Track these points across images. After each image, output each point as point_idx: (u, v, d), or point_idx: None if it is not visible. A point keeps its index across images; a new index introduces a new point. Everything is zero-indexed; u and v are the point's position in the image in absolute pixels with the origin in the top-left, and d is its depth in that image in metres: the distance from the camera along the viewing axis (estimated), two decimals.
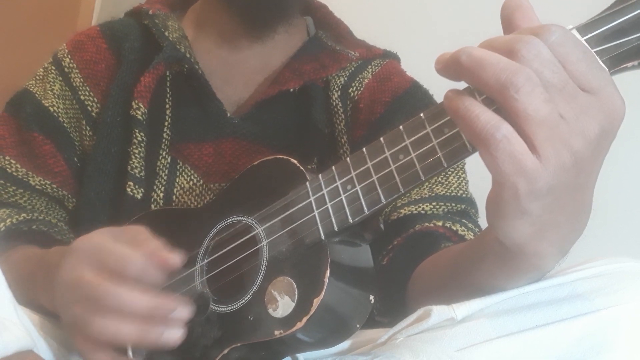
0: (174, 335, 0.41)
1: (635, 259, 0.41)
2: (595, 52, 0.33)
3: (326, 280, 0.40)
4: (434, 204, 0.59)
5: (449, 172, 0.61)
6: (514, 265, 0.38)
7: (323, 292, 0.39)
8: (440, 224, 0.57)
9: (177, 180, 0.62)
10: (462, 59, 0.31)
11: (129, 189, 0.60)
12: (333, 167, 0.43)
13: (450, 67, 0.32)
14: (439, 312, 0.41)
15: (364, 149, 0.41)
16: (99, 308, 0.41)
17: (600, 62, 0.32)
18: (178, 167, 0.63)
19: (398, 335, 0.43)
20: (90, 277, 0.42)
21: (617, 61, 0.33)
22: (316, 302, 0.39)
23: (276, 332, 0.40)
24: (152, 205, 0.61)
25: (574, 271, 0.40)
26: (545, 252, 0.36)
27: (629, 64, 0.33)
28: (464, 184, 0.62)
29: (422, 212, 0.58)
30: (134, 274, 0.42)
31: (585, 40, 0.33)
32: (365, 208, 0.40)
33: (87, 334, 0.41)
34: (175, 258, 0.43)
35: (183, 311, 0.42)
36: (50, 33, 1.08)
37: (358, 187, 0.41)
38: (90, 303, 0.41)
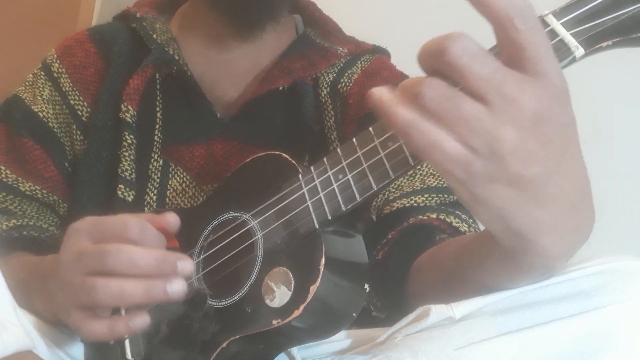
0: (178, 287, 0.41)
1: (635, 258, 0.41)
2: (571, 34, 0.34)
3: (322, 267, 0.40)
4: (426, 195, 0.59)
5: None
6: (519, 264, 0.38)
7: (319, 280, 0.40)
8: (434, 216, 0.57)
9: (169, 183, 0.62)
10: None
11: (119, 192, 0.60)
12: (324, 159, 0.44)
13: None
14: (437, 311, 0.41)
15: (354, 139, 0.42)
16: (104, 269, 0.41)
17: (577, 43, 0.33)
18: (170, 169, 0.63)
19: (397, 334, 0.43)
20: (92, 245, 0.43)
21: (592, 42, 0.34)
22: (312, 289, 0.40)
23: (274, 322, 0.41)
24: (146, 209, 0.62)
25: (573, 270, 0.40)
26: (548, 251, 0.35)
27: (604, 44, 0.34)
28: None
29: (415, 204, 0.59)
30: (134, 234, 0.42)
31: (561, 23, 0.34)
32: (357, 195, 0.41)
33: (91, 298, 0.41)
34: (171, 215, 0.45)
35: (187, 263, 0.42)
36: (50, 33, 1.08)
37: (349, 176, 0.41)
38: (94, 268, 0.42)
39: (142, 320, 0.43)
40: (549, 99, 0.31)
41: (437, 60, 0.31)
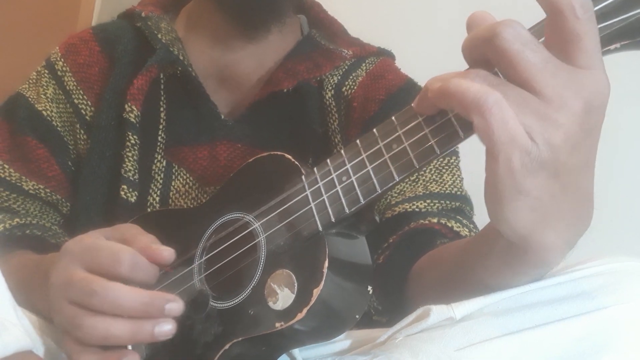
0: (166, 329, 0.41)
1: (635, 259, 0.41)
2: None
3: (325, 270, 0.40)
4: (428, 201, 0.59)
5: (444, 170, 0.62)
6: (521, 260, 0.38)
7: (322, 283, 0.40)
8: (435, 220, 0.57)
9: (172, 184, 0.62)
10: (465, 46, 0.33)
11: (122, 193, 0.60)
12: (328, 160, 0.44)
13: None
14: (438, 311, 0.41)
15: (357, 141, 0.42)
16: (90, 307, 0.40)
17: None
18: (174, 170, 0.63)
19: (397, 334, 0.43)
20: (81, 276, 0.41)
21: (600, 44, 0.34)
22: (316, 292, 0.39)
23: (277, 324, 0.40)
24: (149, 209, 0.61)
25: (574, 270, 0.40)
26: (551, 245, 0.35)
27: (612, 47, 0.34)
28: (458, 181, 0.62)
29: (417, 209, 0.59)
30: (125, 270, 0.41)
31: None
32: (361, 198, 0.40)
33: (78, 335, 0.41)
34: (167, 250, 0.44)
35: (175, 305, 0.41)
36: (50, 33, 1.09)
37: (353, 178, 0.41)
38: (81, 303, 0.41)
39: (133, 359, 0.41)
40: (596, 92, 0.31)
41: (486, 46, 0.31)
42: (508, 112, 0.31)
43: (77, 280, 0.41)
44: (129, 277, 0.42)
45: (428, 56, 0.81)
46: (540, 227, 0.34)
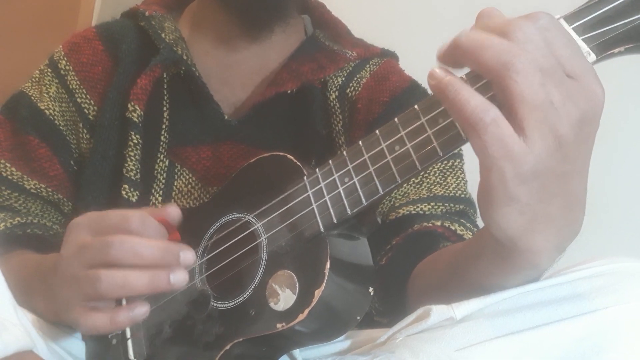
0: (181, 277, 0.42)
1: (635, 259, 0.41)
2: (582, 39, 0.34)
3: (327, 271, 0.40)
4: (432, 204, 0.59)
5: (447, 173, 0.62)
6: (510, 262, 0.38)
7: (324, 284, 0.40)
8: (439, 223, 0.57)
9: (175, 184, 0.62)
10: (461, 40, 0.32)
11: (124, 192, 0.59)
12: (330, 161, 0.44)
13: (451, 51, 0.33)
14: (438, 311, 0.41)
15: (360, 142, 0.42)
16: (107, 261, 0.42)
17: (588, 49, 0.33)
18: (176, 170, 0.63)
19: (398, 334, 0.43)
20: (93, 238, 0.43)
21: (604, 48, 0.34)
22: (317, 293, 0.39)
23: (278, 325, 0.40)
24: None
25: (574, 271, 0.40)
26: (539, 248, 0.36)
27: (616, 50, 0.34)
28: (462, 184, 0.62)
29: (421, 212, 0.59)
30: (135, 226, 0.43)
31: (572, 28, 0.34)
32: (364, 199, 0.40)
33: (95, 288, 0.42)
34: (173, 208, 0.46)
35: (189, 254, 0.43)
36: (50, 33, 1.09)
37: (355, 179, 0.41)
38: (97, 261, 0.42)
39: (142, 310, 0.43)
40: (592, 102, 0.32)
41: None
42: (505, 129, 0.31)
43: (91, 242, 0.43)
44: (139, 233, 0.43)
45: (432, 57, 0.81)
46: (528, 231, 0.34)
